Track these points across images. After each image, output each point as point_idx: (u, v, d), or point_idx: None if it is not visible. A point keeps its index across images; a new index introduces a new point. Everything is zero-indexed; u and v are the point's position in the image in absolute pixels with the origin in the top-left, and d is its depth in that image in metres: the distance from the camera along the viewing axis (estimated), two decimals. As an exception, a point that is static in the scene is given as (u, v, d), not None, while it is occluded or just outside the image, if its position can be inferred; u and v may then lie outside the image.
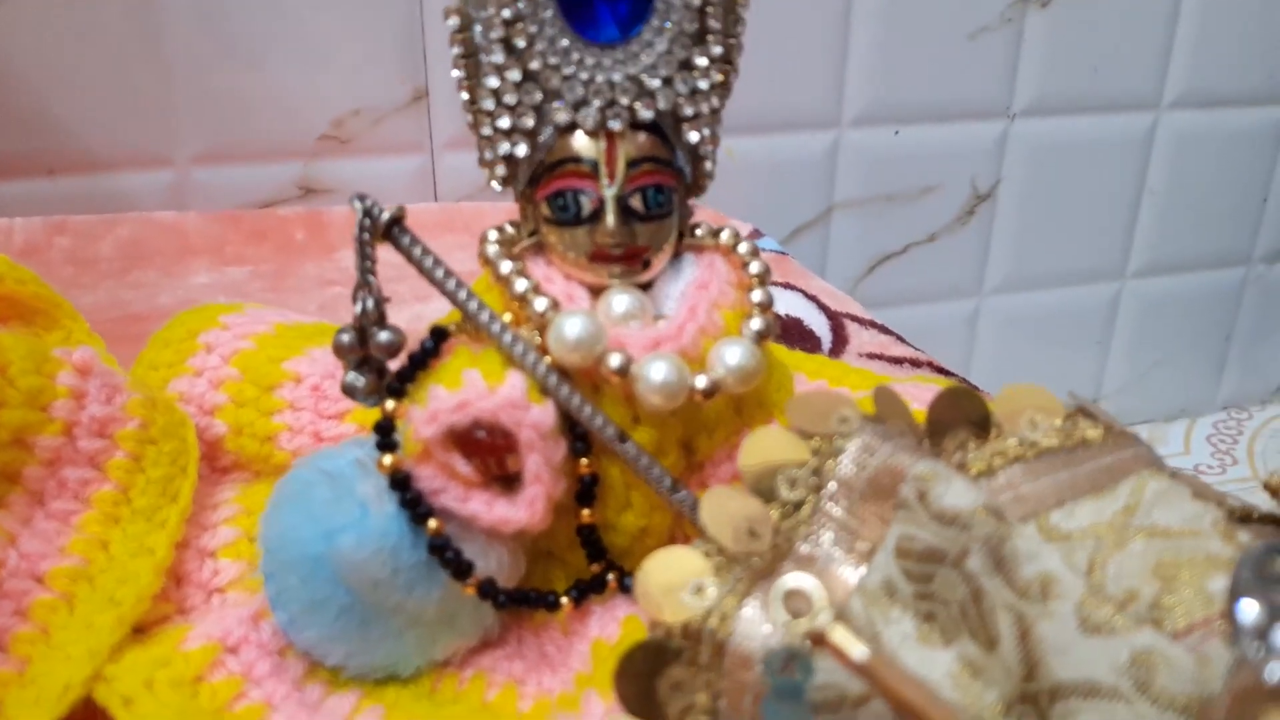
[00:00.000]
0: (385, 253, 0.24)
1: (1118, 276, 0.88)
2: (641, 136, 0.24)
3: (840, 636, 0.17)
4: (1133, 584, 0.17)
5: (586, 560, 0.26)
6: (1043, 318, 0.87)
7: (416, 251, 0.24)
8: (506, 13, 0.23)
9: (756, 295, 0.25)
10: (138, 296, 0.50)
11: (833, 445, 0.20)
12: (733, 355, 0.24)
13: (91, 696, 0.22)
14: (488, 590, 0.24)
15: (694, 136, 0.25)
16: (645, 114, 0.24)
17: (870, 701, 0.17)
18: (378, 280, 0.24)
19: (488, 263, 0.25)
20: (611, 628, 0.25)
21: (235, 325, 0.33)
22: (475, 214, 0.62)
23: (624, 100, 0.24)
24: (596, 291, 0.25)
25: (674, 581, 0.19)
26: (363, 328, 0.24)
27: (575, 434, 0.24)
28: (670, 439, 0.25)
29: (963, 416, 0.21)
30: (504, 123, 0.24)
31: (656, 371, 0.23)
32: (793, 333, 0.49)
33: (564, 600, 0.25)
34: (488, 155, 0.25)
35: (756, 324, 0.25)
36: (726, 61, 0.25)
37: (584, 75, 0.24)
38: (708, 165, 0.26)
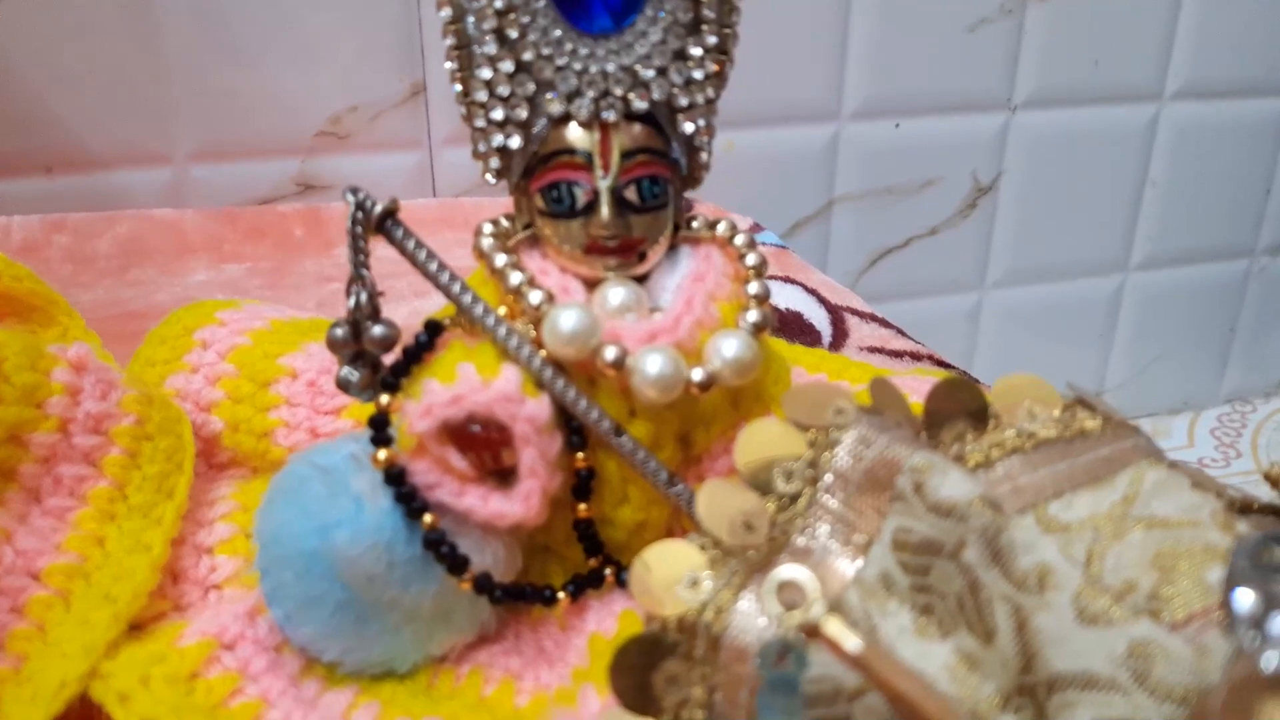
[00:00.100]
0: (384, 250, 0.24)
1: (1120, 269, 0.88)
2: (636, 127, 0.24)
3: (834, 628, 0.17)
4: (1131, 575, 0.17)
5: (583, 555, 0.26)
6: (1045, 311, 0.87)
7: (410, 244, 0.24)
8: (499, 3, 0.23)
9: (753, 288, 0.25)
10: (136, 294, 0.50)
11: (829, 437, 0.20)
12: (729, 348, 0.24)
13: (87, 693, 0.22)
14: (484, 585, 0.24)
15: (689, 127, 0.25)
16: (639, 105, 0.24)
17: (866, 695, 0.17)
18: (371, 274, 0.23)
19: (482, 256, 0.25)
20: (609, 622, 0.25)
21: (231, 321, 0.33)
22: (474, 209, 0.62)
23: (618, 91, 0.24)
24: (592, 284, 0.25)
25: (670, 575, 0.19)
26: (356, 321, 0.23)
27: (571, 428, 0.24)
28: (667, 432, 0.25)
29: (960, 408, 0.21)
30: (497, 114, 0.24)
31: (652, 364, 0.23)
32: (792, 326, 0.49)
33: (561, 595, 0.25)
34: (481, 147, 0.25)
35: (753, 316, 0.25)
36: (722, 52, 0.25)
37: (577, 66, 0.24)
38: (703, 156, 0.26)
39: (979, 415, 0.21)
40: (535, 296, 0.24)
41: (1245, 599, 0.15)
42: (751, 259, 0.26)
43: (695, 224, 0.26)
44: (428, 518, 0.23)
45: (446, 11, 0.23)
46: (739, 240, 0.26)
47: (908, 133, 0.76)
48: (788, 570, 0.18)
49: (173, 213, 0.58)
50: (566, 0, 0.23)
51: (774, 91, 0.71)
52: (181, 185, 0.62)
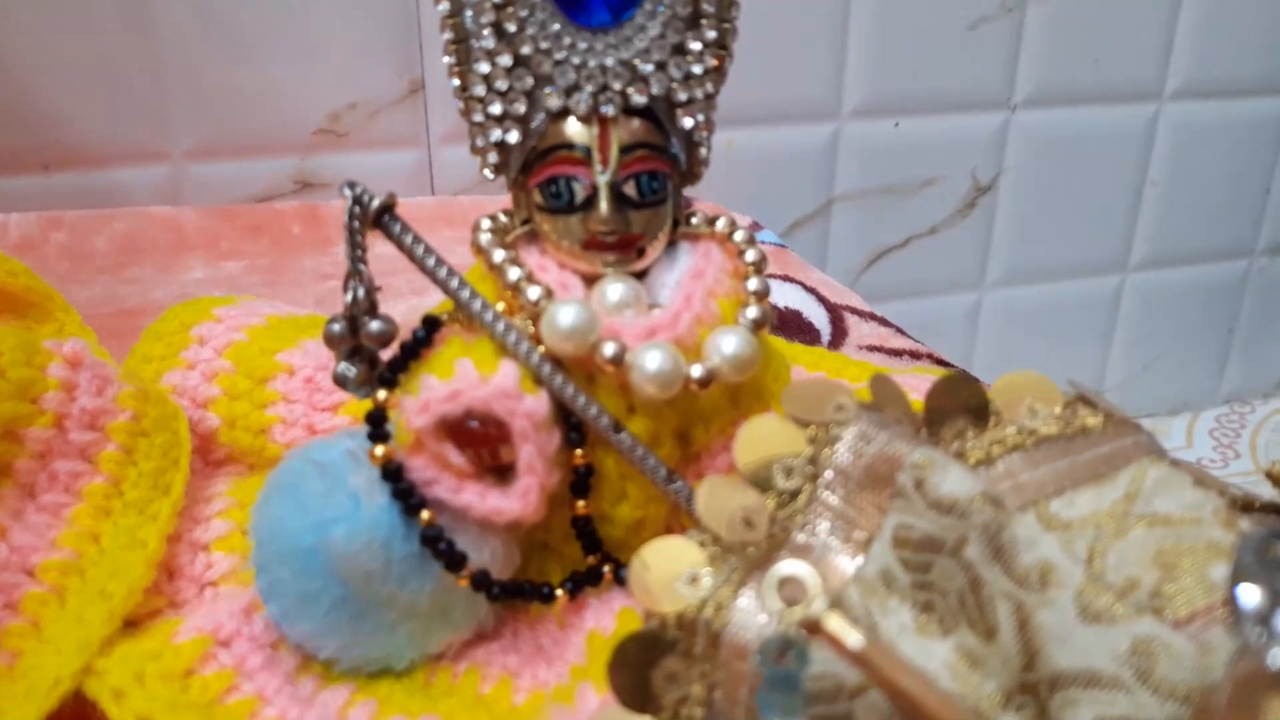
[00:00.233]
0: (382, 248, 0.24)
1: (1120, 269, 0.88)
2: (635, 122, 0.24)
3: (835, 624, 0.17)
4: (1133, 572, 0.17)
5: (582, 552, 0.25)
6: (1045, 311, 0.87)
7: (407, 239, 0.23)
8: (498, -3, 0.23)
9: (753, 284, 0.25)
10: (133, 291, 0.50)
11: (829, 434, 0.20)
12: (729, 344, 0.24)
13: (82, 690, 0.22)
14: (481, 582, 0.23)
15: (688, 122, 0.25)
16: (638, 99, 0.24)
17: (867, 692, 0.17)
18: (368, 269, 0.23)
19: (480, 251, 0.24)
20: (607, 620, 0.25)
21: (228, 318, 0.33)
22: (472, 207, 0.61)
23: (616, 85, 0.24)
24: (590, 280, 0.25)
25: (669, 572, 0.19)
26: (353, 317, 0.23)
27: (570, 424, 0.24)
28: (666, 429, 0.25)
29: (960, 404, 0.21)
30: (495, 109, 0.24)
31: (651, 361, 0.23)
32: (791, 325, 0.49)
33: (559, 592, 0.25)
34: (479, 142, 0.24)
35: (753, 312, 0.25)
36: (721, 46, 0.25)
37: (576, 60, 0.23)
38: (703, 152, 0.26)
39: (980, 412, 0.20)
40: (534, 292, 0.23)
41: (1251, 595, 0.15)
42: (751, 255, 0.26)
43: (694, 220, 0.26)
44: (425, 514, 0.23)
45: (444, 6, 0.23)
46: (738, 236, 0.26)
47: (907, 132, 0.76)
48: (788, 566, 0.18)
49: (170, 210, 0.58)
50: (565, -6, 0.23)
51: (773, 90, 0.71)
52: (179, 183, 0.62)
